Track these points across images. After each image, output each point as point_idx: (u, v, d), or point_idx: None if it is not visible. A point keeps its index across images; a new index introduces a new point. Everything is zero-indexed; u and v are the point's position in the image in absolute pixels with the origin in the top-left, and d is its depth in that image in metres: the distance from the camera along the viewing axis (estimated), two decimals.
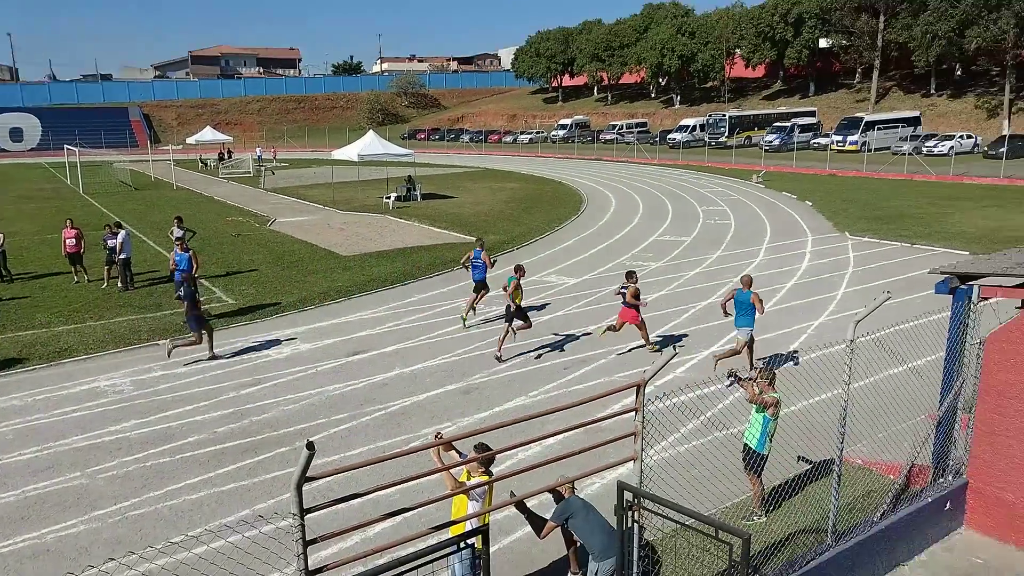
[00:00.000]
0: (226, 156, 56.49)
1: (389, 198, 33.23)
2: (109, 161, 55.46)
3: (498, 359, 13.09)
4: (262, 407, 11.29)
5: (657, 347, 13.22)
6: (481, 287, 15.29)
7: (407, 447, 9.79)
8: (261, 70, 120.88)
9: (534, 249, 23.62)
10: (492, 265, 15.59)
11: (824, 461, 7.82)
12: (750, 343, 12.10)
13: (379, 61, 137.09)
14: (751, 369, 11.27)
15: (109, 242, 18.30)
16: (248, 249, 23.62)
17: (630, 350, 13.43)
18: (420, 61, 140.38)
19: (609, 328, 13.33)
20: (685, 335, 14.32)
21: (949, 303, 7.52)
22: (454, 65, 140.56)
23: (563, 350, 13.72)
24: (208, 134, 56.65)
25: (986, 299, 7.27)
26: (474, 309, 15.53)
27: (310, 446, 3.65)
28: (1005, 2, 51.06)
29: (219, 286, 18.75)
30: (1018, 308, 7.00)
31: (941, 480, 7.57)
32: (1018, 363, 6.94)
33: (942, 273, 7.52)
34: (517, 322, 13.30)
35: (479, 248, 15.44)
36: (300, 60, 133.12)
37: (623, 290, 13.16)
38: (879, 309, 6.61)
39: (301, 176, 48.54)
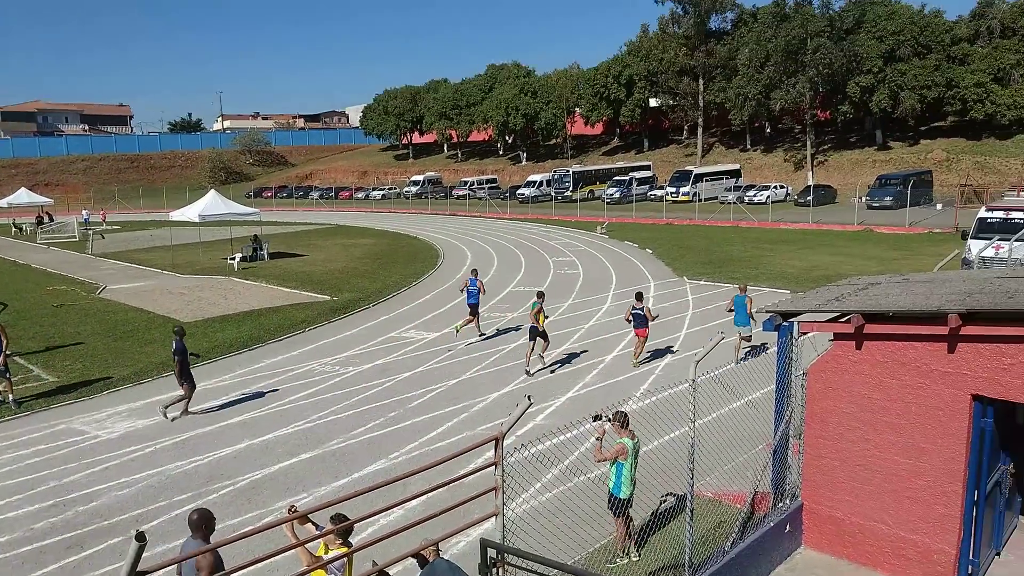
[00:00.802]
0: (45, 219, 51.60)
1: (234, 259, 31.70)
2: None
3: (528, 374, 15.24)
4: (90, 495, 10.16)
5: (638, 364, 15.65)
6: (474, 310, 18.22)
7: (258, 524, 9.16)
8: (86, 127, 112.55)
9: (391, 305, 23.33)
10: (484, 292, 18.92)
11: (681, 496, 8.18)
12: (748, 338, 15.54)
13: (220, 118, 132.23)
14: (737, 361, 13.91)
15: None
16: (73, 320, 21.51)
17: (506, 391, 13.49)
18: (264, 118, 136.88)
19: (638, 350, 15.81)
20: (530, 396, 14.60)
21: (775, 339, 8.20)
22: (300, 122, 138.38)
23: (423, 408, 13.52)
24: (23, 196, 51.69)
25: (805, 334, 8.01)
26: (478, 327, 18.56)
27: (140, 536, 3.31)
28: (801, 69, 58.03)
29: (37, 363, 16.88)
30: (831, 341, 7.75)
31: (781, 504, 8.13)
32: (835, 391, 7.66)
33: (767, 312, 8.21)
34: (540, 341, 15.43)
35: (474, 277, 18.42)
36: (132, 117, 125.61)
37: (636, 311, 15.31)
38: (716, 348, 7.10)
39: (135, 239, 45.26)
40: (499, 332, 19.22)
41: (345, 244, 39.87)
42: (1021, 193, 40.40)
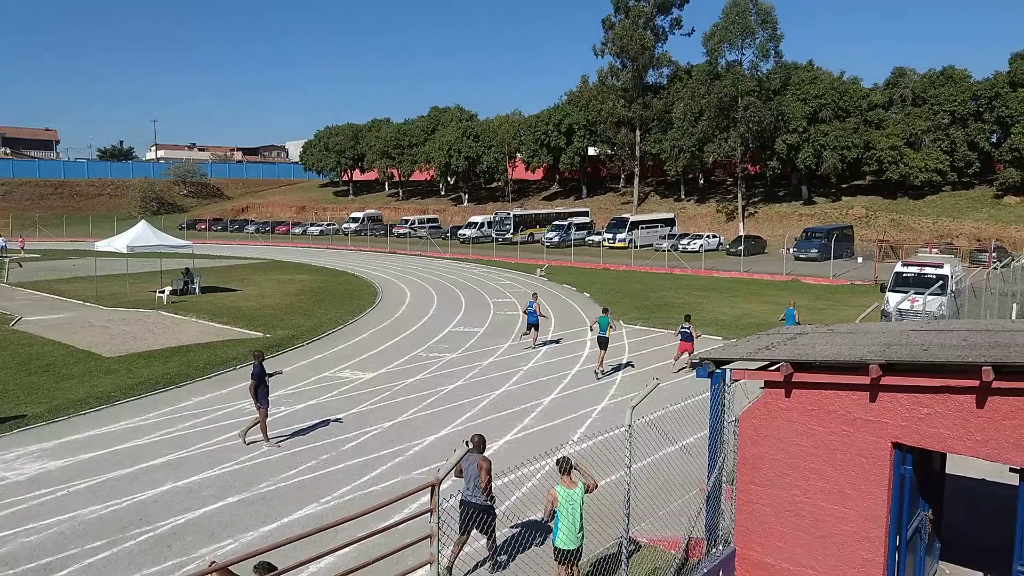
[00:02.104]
0: None
1: (163, 292, 30.61)
2: None
3: (598, 375, 18.41)
4: None
5: (678, 371, 18.41)
6: (532, 327, 21.98)
7: (178, 574, 8.73)
8: (7, 151, 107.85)
9: (325, 344, 22.88)
10: (543, 316, 22.72)
11: (616, 542, 8.19)
12: None
13: (154, 148, 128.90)
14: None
15: None
16: None
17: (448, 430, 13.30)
18: (201, 149, 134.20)
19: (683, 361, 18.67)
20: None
21: (709, 385, 8.41)
22: (238, 155, 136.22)
23: (357, 450, 13.22)
24: None
25: (736, 381, 8.25)
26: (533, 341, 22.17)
27: None
28: (732, 125, 60.76)
29: None
30: (762, 388, 8.00)
31: (714, 550, 8.23)
32: (765, 437, 7.89)
33: (701, 359, 8.43)
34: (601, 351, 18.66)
35: (533, 300, 22.35)
36: (58, 142, 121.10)
37: (685, 329, 18.61)
38: (652, 393, 7.24)
39: (57, 269, 43.24)
40: (433, 374, 19.06)
41: (280, 280, 39.07)
42: (933, 250, 42.96)
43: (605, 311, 19.48)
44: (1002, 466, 6.65)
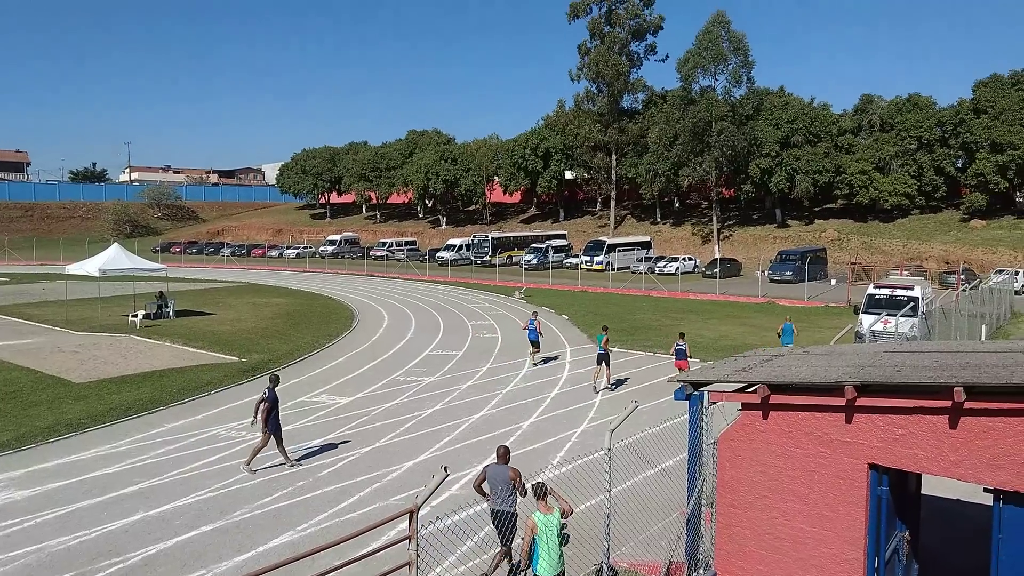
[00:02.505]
0: None
1: (136, 316, 30.13)
2: None
3: (596, 390, 19.33)
4: None
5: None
6: (533, 344, 22.87)
7: None
8: None
9: (302, 368, 22.64)
10: (542, 335, 23.47)
11: (597, 567, 8.13)
12: None
13: (128, 170, 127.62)
14: None
15: None
16: None
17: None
18: (176, 172, 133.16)
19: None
20: (446, 467, 14.40)
21: (687, 408, 8.45)
22: (214, 178, 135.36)
23: (335, 476, 13.04)
24: None
25: (714, 403, 8.29)
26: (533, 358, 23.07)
27: None
28: (707, 149, 61.74)
29: None
30: (739, 410, 8.06)
31: (695, 574, 8.22)
32: (744, 460, 7.92)
33: (679, 381, 8.48)
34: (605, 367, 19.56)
35: (533, 318, 23.30)
36: (29, 164, 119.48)
37: (680, 346, 19.51)
38: (630, 416, 7.25)
39: (26, 292, 42.40)
40: (412, 399, 18.93)
41: (256, 303, 38.68)
42: (904, 272, 43.73)
43: (604, 329, 20.20)
44: (976, 486, 6.74)
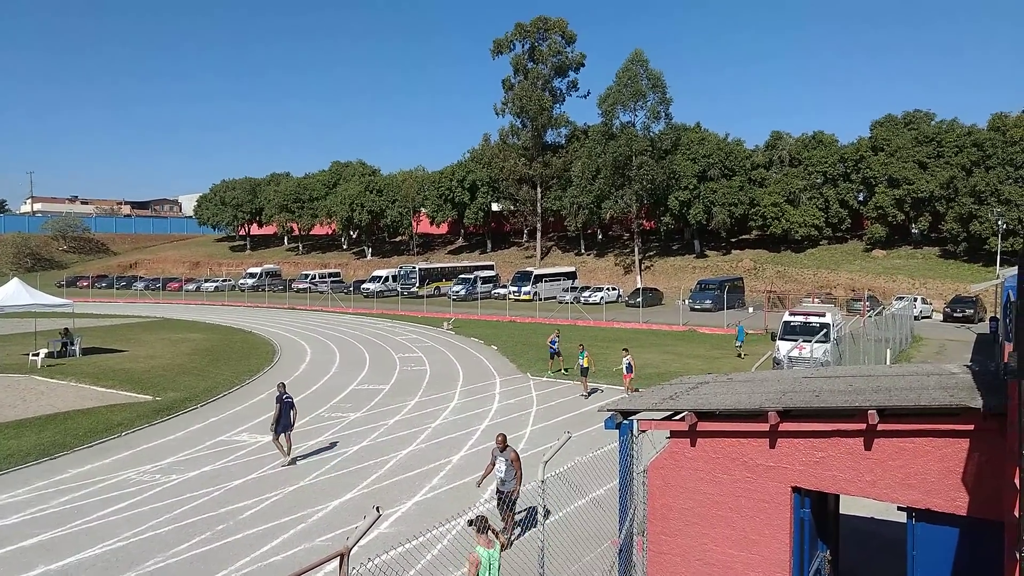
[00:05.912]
0: None
1: (38, 355, 28.32)
2: None
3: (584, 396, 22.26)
4: None
5: (636, 388, 20.44)
6: (556, 354, 26.60)
7: None
8: None
9: (221, 405, 21.72)
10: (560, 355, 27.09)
11: None
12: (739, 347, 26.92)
13: (30, 200, 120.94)
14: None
15: None
16: None
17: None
18: (84, 203, 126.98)
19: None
20: (378, 507, 14.06)
21: (617, 436, 8.53)
22: (126, 209, 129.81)
23: (257, 518, 12.49)
24: None
25: (643, 431, 8.40)
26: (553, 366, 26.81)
27: None
28: (628, 183, 63.53)
29: None
30: (668, 439, 8.19)
31: None
32: (673, 487, 8.04)
33: (608, 410, 8.56)
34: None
35: (556, 337, 27.16)
36: None
37: (626, 359, 22.16)
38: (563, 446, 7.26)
39: None
40: (335, 440, 18.42)
41: (172, 339, 37.02)
42: (815, 300, 45.88)
43: (580, 347, 23.44)
44: (890, 504, 7.04)
